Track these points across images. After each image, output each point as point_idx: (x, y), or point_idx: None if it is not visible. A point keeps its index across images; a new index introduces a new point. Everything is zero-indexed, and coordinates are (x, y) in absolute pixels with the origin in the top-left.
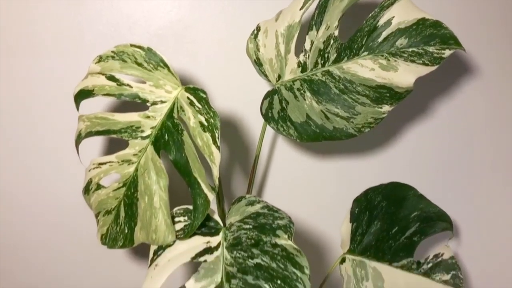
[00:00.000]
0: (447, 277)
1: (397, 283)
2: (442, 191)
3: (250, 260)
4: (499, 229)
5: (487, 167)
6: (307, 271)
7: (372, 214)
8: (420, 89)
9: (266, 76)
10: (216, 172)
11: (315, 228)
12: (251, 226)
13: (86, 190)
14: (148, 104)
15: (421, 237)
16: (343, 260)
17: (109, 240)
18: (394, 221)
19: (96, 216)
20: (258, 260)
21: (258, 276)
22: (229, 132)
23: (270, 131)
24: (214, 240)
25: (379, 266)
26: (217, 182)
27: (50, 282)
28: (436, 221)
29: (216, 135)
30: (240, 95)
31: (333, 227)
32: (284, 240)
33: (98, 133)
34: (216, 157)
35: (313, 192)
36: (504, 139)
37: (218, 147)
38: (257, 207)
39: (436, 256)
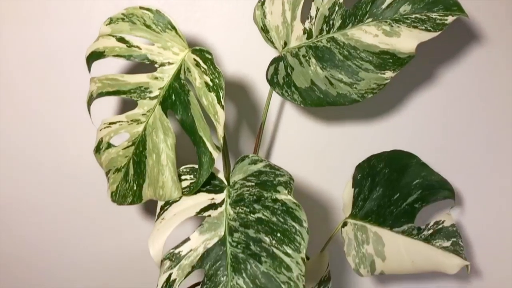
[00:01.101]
0: (447, 243)
1: (398, 247)
2: (446, 159)
3: (251, 215)
4: (503, 199)
5: (492, 135)
6: (305, 224)
7: (374, 180)
8: (425, 56)
9: (272, 43)
10: (220, 131)
11: (321, 192)
12: (253, 184)
13: (97, 149)
14: (156, 65)
15: (423, 204)
16: (344, 224)
17: (118, 197)
18: (396, 187)
19: (107, 174)
20: (259, 215)
21: (259, 229)
22: (239, 96)
23: (278, 96)
24: (218, 197)
25: (380, 231)
26: (221, 141)
27: (60, 240)
28: (438, 189)
29: (221, 94)
30: (249, 61)
31: (340, 191)
32: (284, 195)
33: (109, 93)
34: (220, 116)
35: (320, 157)
36: (509, 107)
37: (222, 107)
38: (259, 166)
39: (437, 223)
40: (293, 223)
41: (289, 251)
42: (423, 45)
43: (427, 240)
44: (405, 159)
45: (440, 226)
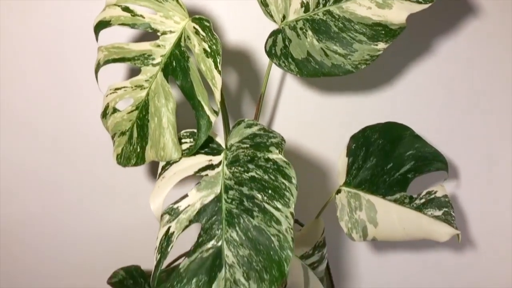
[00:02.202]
0: (438, 213)
1: (390, 215)
2: (442, 131)
3: (245, 174)
4: (500, 171)
5: (489, 107)
6: (294, 181)
7: (368, 151)
8: (422, 29)
9: (271, 16)
10: (218, 96)
11: (319, 161)
12: (248, 145)
13: (104, 114)
14: (159, 34)
15: (415, 174)
16: (338, 192)
17: (123, 159)
18: (389, 158)
19: (112, 137)
20: (252, 174)
21: (252, 187)
22: (243, 66)
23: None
24: (216, 159)
25: (373, 199)
26: (219, 106)
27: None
28: (431, 161)
29: (218, 60)
30: (253, 32)
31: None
32: (275, 155)
33: (114, 60)
34: (218, 81)
35: (318, 126)
36: (505, 80)
37: (219, 72)
38: (254, 129)
39: (429, 193)
40: (283, 180)
41: (279, 206)
42: (419, 18)
43: (419, 208)
44: (399, 130)
45: (432, 196)
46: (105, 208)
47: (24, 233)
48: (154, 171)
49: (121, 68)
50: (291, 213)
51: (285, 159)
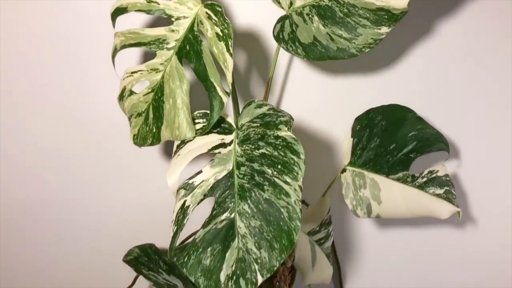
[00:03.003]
0: (440, 191)
1: (393, 193)
2: (443, 113)
3: (256, 151)
4: (500, 151)
5: (490, 89)
6: (302, 156)
7: (372, 132)
8: (423, 11)
9: (279, 3)
10: (229, 78)
11: (325, 141)
12: (258, 124)
13: (121, 97)
14: (173, 19)
15: (417, 154)
16: (343, 171)
17: (140, 139)
18: (392, 138)
19: (129, 118)
20: (263, 150)
21: (262, 163)
22: (253, 50)
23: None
24: (227, 138)
25: (377, 177)
26: (230, 87)
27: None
28: (433, 142)
29: (230, 43)
30: (261, 18)
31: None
32: (284, 132)
33: (131, 45)
34: (229, 63)
35: (324, 108)
36: (506, 61)
37: (231, 54)
38: (264, 109)
39: (430, 172)
40: (292, 156)
41: (288, 179)
42: (421, 1)
43: (421, 187)
44: (402, 112)
45: (434, 175)
46: (117, 190)
47: (38, 217)
48: (168, 153)
49: (134, 55)
50: (300, 186)
51: (293, 136)
